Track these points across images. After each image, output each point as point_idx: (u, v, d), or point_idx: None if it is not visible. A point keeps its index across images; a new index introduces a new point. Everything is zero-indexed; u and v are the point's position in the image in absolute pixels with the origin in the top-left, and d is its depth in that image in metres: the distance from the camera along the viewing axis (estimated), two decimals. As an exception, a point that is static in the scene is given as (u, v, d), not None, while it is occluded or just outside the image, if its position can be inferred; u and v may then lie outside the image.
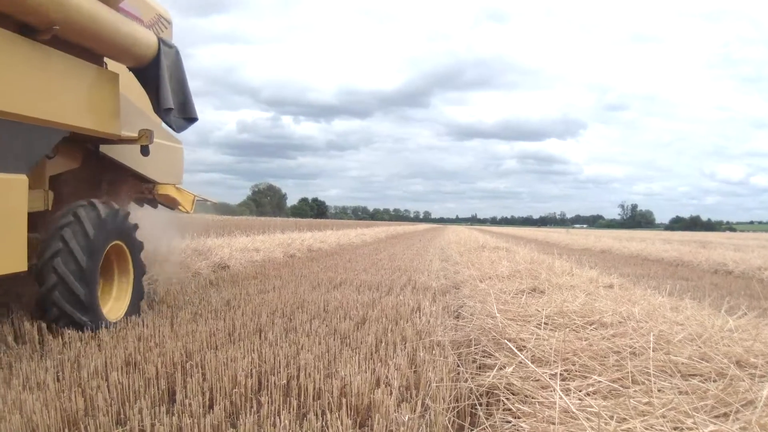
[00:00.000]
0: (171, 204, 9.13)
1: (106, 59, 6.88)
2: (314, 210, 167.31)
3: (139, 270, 6.61)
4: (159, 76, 7.18)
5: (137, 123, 7.42)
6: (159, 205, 9.24)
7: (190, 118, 7.75)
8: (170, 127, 7.63)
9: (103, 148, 7.26)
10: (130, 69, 7.28)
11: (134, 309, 6.39)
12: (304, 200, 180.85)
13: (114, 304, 6.19)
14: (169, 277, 9.20)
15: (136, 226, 6.64)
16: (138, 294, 6.55)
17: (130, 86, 7.37)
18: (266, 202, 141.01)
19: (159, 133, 8.00)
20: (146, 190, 8.59)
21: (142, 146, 7.23)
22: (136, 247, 6.62)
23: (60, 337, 5.08)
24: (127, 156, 7.61)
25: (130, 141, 7.19)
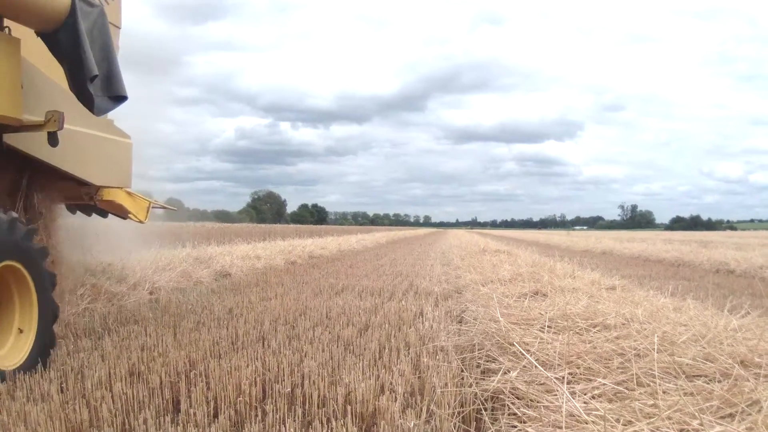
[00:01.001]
0: (119, 212, 7.76)
1: (7, 22, 5.47)
2: (314, 216, 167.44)
3: (48, 308, 4.81)
4: (76, 42, 5.55)
5: (54, 105, 5.84)
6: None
7: (117, 97, 6.08)
8: (89, 107, 5.78)
9: (8, 138, 5.70)
10: (38, 34, 5.68)
11: (36, 359, 4.56)
12: (303, 206, 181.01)
13: (10, 349, 4.49)
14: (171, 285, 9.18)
15: (44, 251, 4.90)
16: (45, 340, 4.71)
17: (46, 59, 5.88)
18: (266, 209, 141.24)
19: (98, 123, 6.74)
20: (85, 195, 7.10)
21: (49, 134, 5.68)
22: (42, 277, 4.80)
23: (64, 348, 5.07)
24: (50, 150, 5.93)
25: (32, 127, 5.65)
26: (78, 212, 7.91)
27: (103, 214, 7.86)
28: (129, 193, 7.70)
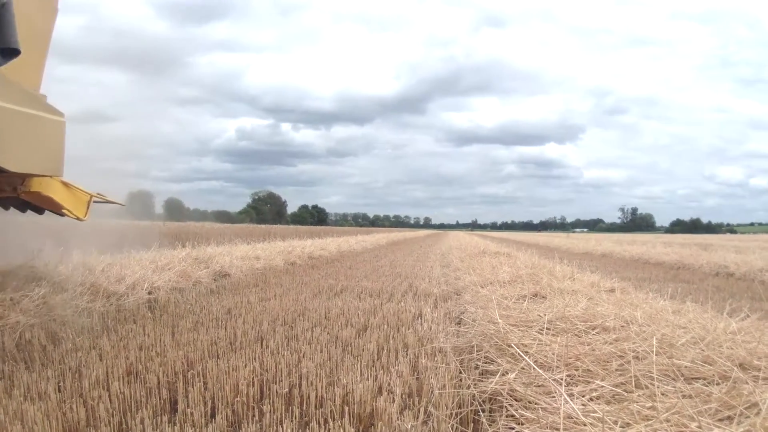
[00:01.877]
0: (50, 207, 6.69)
1: None
2: (314, 217, 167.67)
3: None
4: None
5: None
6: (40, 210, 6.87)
7: (7, 50, 5.19)
8: None
9: None
10: None
11: None
12: (304, 207, 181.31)
13: None
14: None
15: None
16: None
17: None
18: (266, 210, 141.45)
19: (17, 96, 5.61)
20: (6, 185, 6.07)
21: None
22: None
23: (62, 346, 5.06)
24: None
25: None
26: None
27: (39, 210, 6.88)
28: (65, 185, 6.64)
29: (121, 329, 5.88)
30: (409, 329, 6.08)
